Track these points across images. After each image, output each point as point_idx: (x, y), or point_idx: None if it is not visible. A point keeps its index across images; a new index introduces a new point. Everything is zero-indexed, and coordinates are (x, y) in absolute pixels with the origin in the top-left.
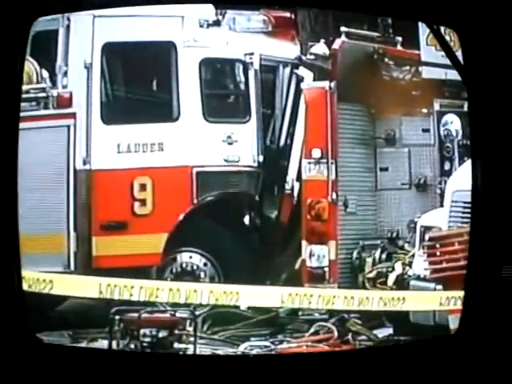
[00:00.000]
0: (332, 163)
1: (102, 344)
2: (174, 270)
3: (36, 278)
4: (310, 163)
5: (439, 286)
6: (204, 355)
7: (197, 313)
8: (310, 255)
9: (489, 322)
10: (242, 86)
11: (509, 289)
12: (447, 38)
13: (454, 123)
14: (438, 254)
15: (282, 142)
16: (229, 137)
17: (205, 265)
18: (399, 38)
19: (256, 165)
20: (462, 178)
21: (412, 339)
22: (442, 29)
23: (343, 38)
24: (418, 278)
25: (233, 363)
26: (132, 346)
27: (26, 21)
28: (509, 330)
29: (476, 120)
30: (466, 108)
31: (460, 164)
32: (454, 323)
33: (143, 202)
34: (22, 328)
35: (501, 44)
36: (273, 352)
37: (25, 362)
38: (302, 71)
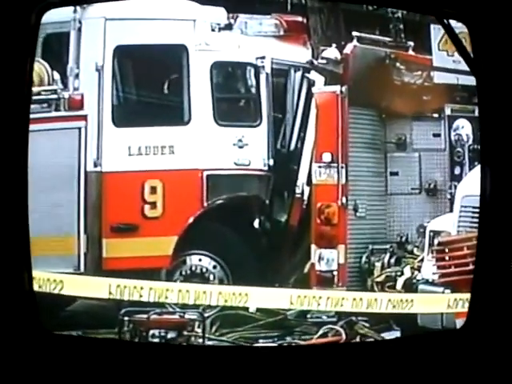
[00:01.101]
0: (342, 167)
1: None
2: (183, 273)
3: (47, 278)
4: (320, 167)
5: (447, 291)
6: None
7: (206, 314)
8: (320, 259)
9: (496, 317)
10: (253, 90)
11: None
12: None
13: (464, 128)
14: (447, 258)
15: (292, 146)
16: (239, 140)
17: (214, 267)
18: (411, 43)
19: (266, 168)
20: (471, 183)
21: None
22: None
23: (355, 42)
24: (427, 282)
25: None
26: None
27: (36, 14)
28: None
29: (486, 124)
30: (477, 113)
31: (470, 169)
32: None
33: (153, 205)
34: (33, 324)
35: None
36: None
37: (35, 357)
38: (313, 75)
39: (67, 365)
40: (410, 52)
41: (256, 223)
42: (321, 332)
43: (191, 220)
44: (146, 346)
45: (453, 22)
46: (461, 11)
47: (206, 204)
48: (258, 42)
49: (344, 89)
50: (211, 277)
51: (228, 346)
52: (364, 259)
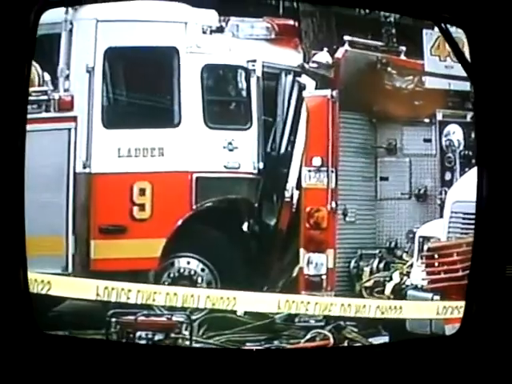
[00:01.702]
0: (332, 172)
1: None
2: (171, 275)
3: (34, 278)
4: (310, 171)
5: (437, 297)
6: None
7: (193, 317)
8: (308, 263)
9: (491, 321)
10: (244, 93)
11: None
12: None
13: (456, 133)
14: (437, 264)
15: (282, 150)
16: (229, 143)
17: (202, 270)
18: (403, 48)
19: (256, 172)
20: (462, 189)
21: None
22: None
23: (346, 46)
24: (416, 287)
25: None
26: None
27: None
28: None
29: (482, 127)
30: (468, 118)
31: (461, 175)
32: (450, 333)
33: (142, 207)
34: (28, 324)
35: (510, 43)
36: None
37: (30, 355)
38: (304, 79)
39: (55, 364)
40: (402, 57)
41: (245, 226)
42: (309, 336)
43: (180, 222)
44: (133, 346)
45: (449, 27)
46: (458, 16)
47: (194, 206)
48: (250, 45)
49: (335, 93)
50: (199, 279)
51: (215, 349)
52: (353, 264)
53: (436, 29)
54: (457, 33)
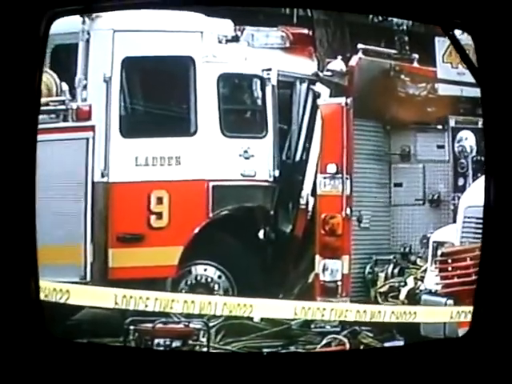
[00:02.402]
0: (347, 178)
1: None
2: (188, 282)
3: (53, 288)
4: (325, 178)
5: (450, 301)
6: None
7: (210, 324)
8: (324, 269)
9: (499, 326)
10: (259, 102)
11: None
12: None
13: (468, 139)
14: (450, 269)
15: (297, 157)
16: (245, 151)
17: (219, 277)
18: (416, 55)
19: (272, 179)
20: (475, 194)
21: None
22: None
23: (360, 54)
24: (430, 292)
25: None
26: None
27: (44, 24)
28: None
29: (491, 135)
30: (480, 124)
31: (473, 180)
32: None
33: (159, 215)
34: (40, 332)
35: None
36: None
37: (42, 364)
38: (318, 87)
39: (72, 372)
40: (415, 64)
41: (261, 234)
42: (324, 341)
43: (197, 230)
44: (151, 353)
45: (458, 34)
46: (466, 21)
47: (211, 214)
48: (265, 54)
49: (349, 101)
50: (216, 287)
51: (232, 354)
52: (368, 270)
53: None
54: (466, 40)
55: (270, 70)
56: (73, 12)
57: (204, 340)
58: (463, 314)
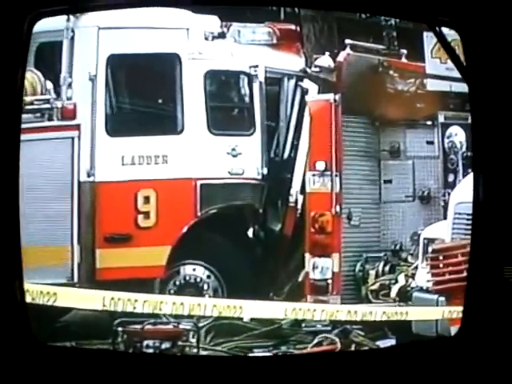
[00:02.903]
0: (336, 176)
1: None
2: (177, 282)
3: (40, 290)
4: (314, 176)
5: (442, 298)
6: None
7: (200, 324)
8: (314, 268)
9: (490, 323)
10: (247, 99)
11: (510, 290)
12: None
13: (458, 135)
14: (441, 265)
15: (286, 155)
16: (233, 149)
17: (208, 277)
18: (404, 51)
19: (260, 177)
20: (465, 190)
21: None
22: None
23: (348, 50)
24: (421, 289)
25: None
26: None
27: (27, 23)
28: (510, 331)
29: (479, 131)
30: (470, 120)
31: (464, 176)
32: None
33: (147, 215)
34: (25, 335)
35: (505, 47)
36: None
37: (29, 369)
38: (306, 84)
39: (61, 376)
40: (403, 60)
41: (250, 232)
42: (316, 341)
43: (185, 229)
44: (140, 356)
45: (445, 30)
46: (453, 19)
47: (199, 213)
48: (252, 50)
49: (337, 97)
50: (205, 286)
51: (223, 356)
52: (358, 267)
53: None
54: (455, 35)
55: (257, 66)
56: (56, 13)
57: (194, 341)
58: (455, 313)
